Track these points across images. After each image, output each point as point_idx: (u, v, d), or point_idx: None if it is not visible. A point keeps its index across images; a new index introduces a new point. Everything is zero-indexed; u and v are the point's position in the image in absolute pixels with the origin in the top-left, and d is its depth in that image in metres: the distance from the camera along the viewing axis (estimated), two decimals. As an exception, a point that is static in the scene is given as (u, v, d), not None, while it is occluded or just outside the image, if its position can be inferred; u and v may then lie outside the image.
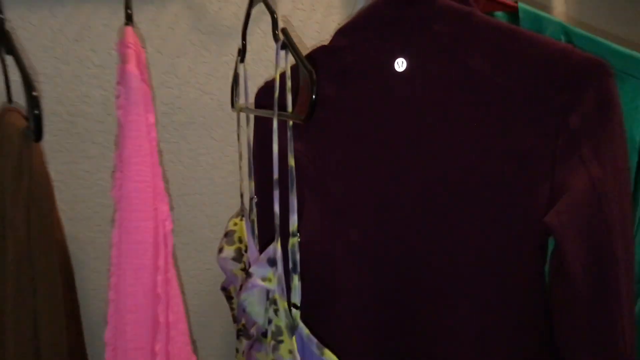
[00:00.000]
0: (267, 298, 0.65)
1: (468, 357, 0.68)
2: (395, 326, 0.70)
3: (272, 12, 0.68)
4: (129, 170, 0.51)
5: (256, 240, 0.77)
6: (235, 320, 0.84)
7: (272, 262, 0.64)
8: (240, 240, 0.79)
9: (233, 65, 1.00)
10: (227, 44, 1.02)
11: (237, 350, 0.82)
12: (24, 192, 0.56)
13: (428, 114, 0.68)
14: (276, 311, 0.63)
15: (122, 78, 0.56)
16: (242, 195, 0.85)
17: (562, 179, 0.62)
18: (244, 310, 0.65)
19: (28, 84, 0.59)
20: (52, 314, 0.58)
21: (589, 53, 0.60)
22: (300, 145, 0.74)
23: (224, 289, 0.86)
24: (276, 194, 0.64)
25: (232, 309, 0.86)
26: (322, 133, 0.74)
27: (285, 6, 1.04)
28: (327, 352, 0.63)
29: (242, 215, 0.82)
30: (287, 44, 0.63)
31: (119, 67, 0.60)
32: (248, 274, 0.65)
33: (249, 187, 0.81)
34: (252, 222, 0.79)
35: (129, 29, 0.66)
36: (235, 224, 0.81)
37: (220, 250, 0.79)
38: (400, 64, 0.70)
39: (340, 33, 0.73)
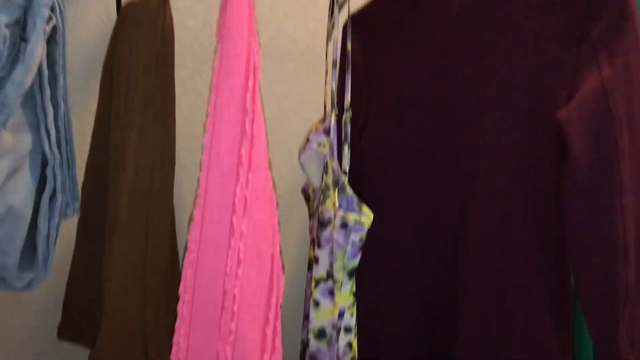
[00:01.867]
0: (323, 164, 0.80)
1: (492, 234, 0.80)
2: (431, 196, 0.85)
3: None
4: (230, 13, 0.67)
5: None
6: (311, 217, 0.98)
7: (327, 132, 0.79)
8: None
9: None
10: (303, -10, 1.19)
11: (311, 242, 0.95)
12: (159, 40, 0.75)
13: (475, 29, 0.81)
14: (326, 170, 0.78)
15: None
16: (325, 106, 0.98)
17: (580, 81, 0.74)
18: (304, 171, 0.81)
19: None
20: (166, 149, 0.78)
21: None
22: (374, 62, 0.90)
23: (304, 190, 0.98)
24: (334, 73, 0.79)
25: (309, 208, 0.99)
26: (392, 51, 0.90)
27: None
28: (365, 207, 0.77)
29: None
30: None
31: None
32: (307, 140, 0.80)
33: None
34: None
35: None
36: (317, 129, 0.95)
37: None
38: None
39: None
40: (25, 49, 0.64)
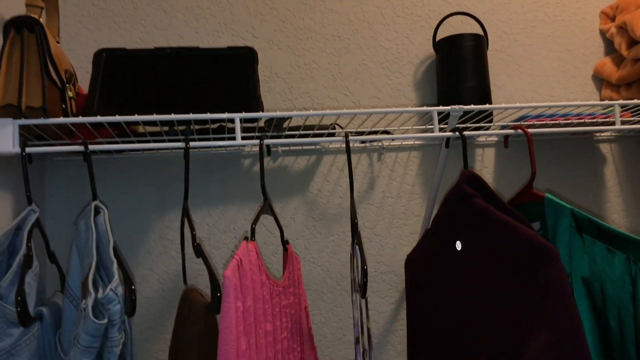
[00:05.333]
0: None
1: None
2: None
3: (354, 217, 0.98)
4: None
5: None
6: None
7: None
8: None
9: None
10: (334, 227, 1.34)
11: None
12: (207, 339, 0.88)
13: (470, 275, 0.95)
14: None
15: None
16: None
17: (529, 336, 0.82)
18: None
19: (214, 279, 0.87)
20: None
21: (545, 240, 0.83)
22: (425, 293, 1.08)
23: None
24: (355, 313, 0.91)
25: None
26: (427, 285, 1.06)
27: (377, 195, 1.35)
28: None
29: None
30: (357, 240, 0.93)
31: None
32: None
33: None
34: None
35: (243, 242, 0.93)
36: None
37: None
38: (459, 245, 0.98)
39: (433, 221, 1.06)
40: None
